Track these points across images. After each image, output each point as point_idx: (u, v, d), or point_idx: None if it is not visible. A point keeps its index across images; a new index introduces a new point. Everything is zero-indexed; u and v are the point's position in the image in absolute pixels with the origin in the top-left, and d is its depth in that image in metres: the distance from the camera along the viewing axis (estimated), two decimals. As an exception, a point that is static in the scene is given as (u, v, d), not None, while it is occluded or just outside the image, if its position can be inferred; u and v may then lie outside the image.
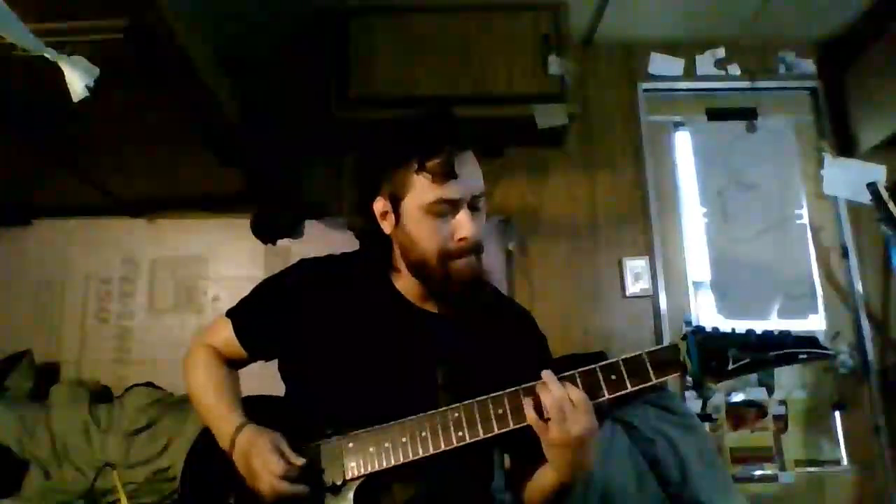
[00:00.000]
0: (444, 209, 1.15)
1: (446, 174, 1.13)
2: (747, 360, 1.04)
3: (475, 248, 1.18)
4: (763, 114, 3.13)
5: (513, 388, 1.10)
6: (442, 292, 1.23)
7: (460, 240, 1.16)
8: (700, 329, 1.08)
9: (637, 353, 1.09)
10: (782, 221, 3.05)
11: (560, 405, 1.04)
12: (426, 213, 1.15)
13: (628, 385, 1.07)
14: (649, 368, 1.07)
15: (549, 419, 1.05)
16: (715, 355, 1.05)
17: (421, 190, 1.15)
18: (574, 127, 2.86)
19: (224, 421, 1.21)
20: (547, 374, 1.07)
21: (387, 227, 1.23)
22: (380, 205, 1.22)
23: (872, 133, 2.89)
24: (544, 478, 1.16)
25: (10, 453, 2.38)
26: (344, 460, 1.14)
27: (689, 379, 1.08)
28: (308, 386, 1.25)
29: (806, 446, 2.82)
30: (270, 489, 1.10)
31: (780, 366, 1.06)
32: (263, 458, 1.12)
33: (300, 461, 1.13)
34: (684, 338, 1.07)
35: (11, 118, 1.98)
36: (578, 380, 1.09)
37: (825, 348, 1.05)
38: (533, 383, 1.09)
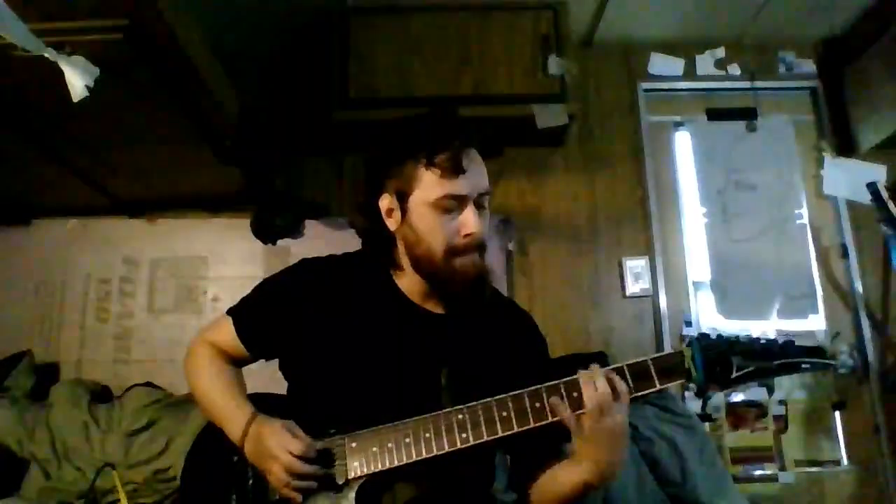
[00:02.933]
0: (452, 205, 1.16)
1: (455, 169, 1.14)
2: (751, 369, 1.05)
3: (479, 246, 1.19)
4: (763, 114, 3.13)
5: (519, 391, 1.10)
6: (445, 289, 1.23)
7: (466, 236, 1.17)
8: (704, 336, 1.08)
9: (642, 358, 1.09)
10: (782, 221, 3.05)
11: (600, 400, 1.04)
12: (433, 208, 1.16)
13: (633, 390, 1.07)
14: (654, 374, 1.07)
15: (583, 413, 1.05)
16: (719, 363, 1.06)
17: (429, 185, 1.16)
18: (574, 127, 2.87)
19: (235, 413, 1.22)
20: (594, 367, 1.08)
21: (392, 224, 1.23)
22: (385, 202, 1.22)
23: (872, 133, 2.90)
24: (566, 479, 1.15)
25: (10, 453, 2.37)
26: (346, 459, 1.14)
27: (692, 385, 1.08)
28: (310, 385, 1.25)
29: (806, 446, 2.82)
30: (285, 466, 1.10)
31: (783, 374, 1.06)
32: (279, 438, 1.12)
33: (317, 444, 1.14)
34: (688, 343, 1.07)
35: (11, 118, 1.98)
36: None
37: (828, 358, 1.06)
38: (559, 381, 1.09)
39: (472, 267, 1.18)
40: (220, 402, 1.26)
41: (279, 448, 1.11)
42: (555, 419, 1.08)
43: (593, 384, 1.06)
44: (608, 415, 1.04)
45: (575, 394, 1.08)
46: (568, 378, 1.09)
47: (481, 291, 1.23)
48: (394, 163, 1.20)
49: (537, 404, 1.09)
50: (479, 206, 1.19)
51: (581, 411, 1.06)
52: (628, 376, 1.08)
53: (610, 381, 1.06)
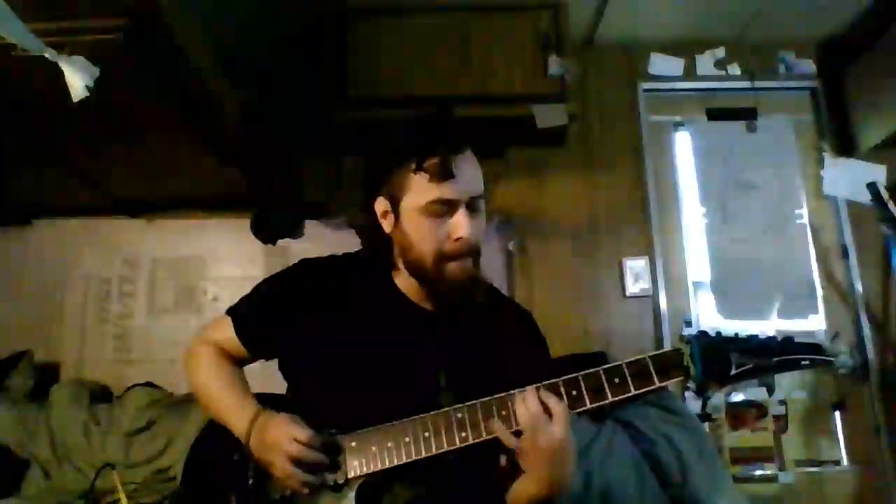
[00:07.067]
0: (441, 210, 1.15)
1: (443, 174, 1.13)
2: (750, 366, 1.05)
3: (471, 250, 1.18)
4: (763, 114, 3.13)
5: (512, 391, 1.10)
6: (437, 293, 1.23)
7: (456, 240, 1.16)
8: (703, 333, 1.08)
9: (640, 356, 1.09)
10: (782, 221, 3.05)
11: (532, 419, 1.05)
12: (423, 213, 1.16)
13: (632, 388, 1.07)
14: (653, 372, 1.07)
15: (520, 431, 1.06)
16: (718, 360, 1.05)
17: (418, 190, 1.15)
18: (574, 127, 2.87)
19: (240, 407, 1.21)
20: (528, 388, 1.08)
21: (386, 226, 1.23)
22: (380, 205, 1.22)
23: (872, 133, 2.90)
24: (523, 488, 1.14)
25: (10, 453, 2.37)
26: (346, 459, 1.14)
27: (691, 383, 1.08)
28: (310, 385, 1.25)
29: (806, 446, 2.82)
30: (291, 455, 1.10)
31: (782, 371, 1.06)
32: (286, 429, 1.12)
33: (322, 435, 1.14)
34: (687, 341, 1.07)
35: (12, 118, 1.98)
36: (582, 383, 1.08)
37: (827, 355, 1.05)
38: (513, 392, 1.09)
39: (463, 272, 1.17)
40: (223, 398, 1.25)
41: (285, 438, 1.11)
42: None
43: (524, 405, 1.07)
44: (542, 434, 1.05)
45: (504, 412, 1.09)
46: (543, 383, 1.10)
47: (473, 296, 1.22)
48: (386, 167, 1.20)
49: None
50: (471, 210, 1.17)
51: (517, 428, 1.07)
52: (627, 375, 1.07)
53: (543, 401, 1.07)
